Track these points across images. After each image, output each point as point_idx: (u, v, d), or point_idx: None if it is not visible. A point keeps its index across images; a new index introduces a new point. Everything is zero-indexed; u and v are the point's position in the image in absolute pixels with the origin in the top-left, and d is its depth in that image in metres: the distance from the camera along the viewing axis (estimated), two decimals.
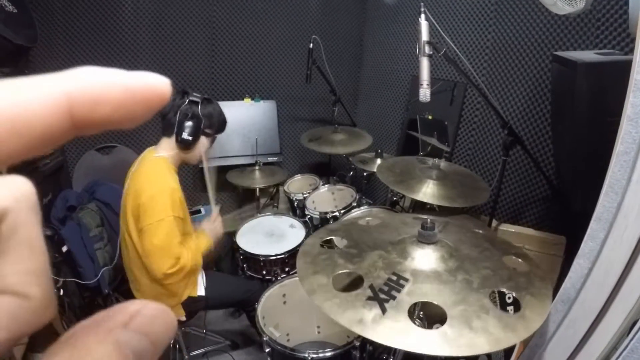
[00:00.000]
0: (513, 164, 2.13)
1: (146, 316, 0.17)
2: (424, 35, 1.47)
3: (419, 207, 2.26)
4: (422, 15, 1.48)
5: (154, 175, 1.76)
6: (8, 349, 0.16)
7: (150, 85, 0.18)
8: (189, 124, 1.76)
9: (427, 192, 1.71)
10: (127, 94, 0.17)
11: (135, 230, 1.75)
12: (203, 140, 1.84)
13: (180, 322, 1.93)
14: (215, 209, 1.99)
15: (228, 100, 3.10)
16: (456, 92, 2.51)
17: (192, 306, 1.96)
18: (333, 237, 1.29)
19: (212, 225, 1.96)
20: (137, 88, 0.17)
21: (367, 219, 1.39)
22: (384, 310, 0.88)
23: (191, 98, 1.77)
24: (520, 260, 1.12)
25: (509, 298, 1.30)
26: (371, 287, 0.96)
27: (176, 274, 1.74)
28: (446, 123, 2.58)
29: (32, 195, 0.18)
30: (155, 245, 1.68)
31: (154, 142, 1.89)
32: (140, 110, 0.17)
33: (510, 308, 1.02)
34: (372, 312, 0.88)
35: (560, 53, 1.56)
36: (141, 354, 0.16)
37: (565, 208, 1.87)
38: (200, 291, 1.96)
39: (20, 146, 0.15)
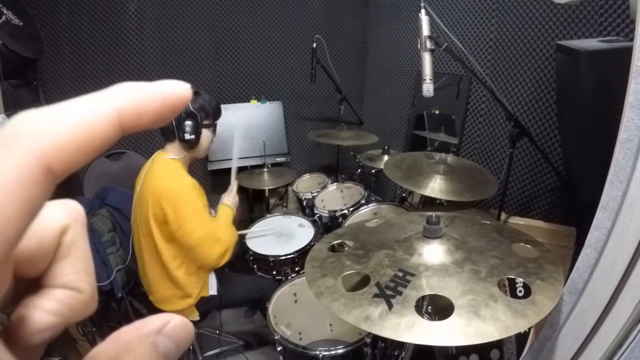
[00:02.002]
0: (521, 156, 2.11)
1: (174, 325, 0.21)
2: (425, 30, 1.46)
3: (429, 202, 2.25)
4: (423, 10, 1.47)
5: (172, 175, 1.80)
6: (58, 333, 0.21)
7: (177, 93, 0.21)
8: (187, 123, 1.78)
9: (435, 187, 1.71)
10: (162, 104, 0.20)
11: (159, 233, 1.79)
12: (205, 133, 1.87)
13: (194, 323, 1.96)
14: (234, 183, 2.11)
15: (234, 102, 3.12)
16: (462, 85, 2.49)
17: (205, 306, 1.99)
18: (344, 240, 1.29)
19: (232, 197, 2.06)
20: (167, 97, 0.21)
21: (375, 220, 1.39)
22: (390, 306, 0.88)
23: None
24: (529, 246, 1.12)
25: (520, 291, 1.30)
26: (377, 284, 0.96)
27: (226, 254, 1.84)
28: (453, 117, 2.56)
29: (83, 214, 0.23)
30: (199, 237, 1.76)
31: (162, 146, 1.92)
32: (169, 114, 0.21)
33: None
34: (378, 308, 0.88)
35: (563, 42, 1.55)
36: (169, 353, 0.21)
37: (575, 199, 1.85)
38: (212, 291, 1.98)
39: (84, 158, 0.18)
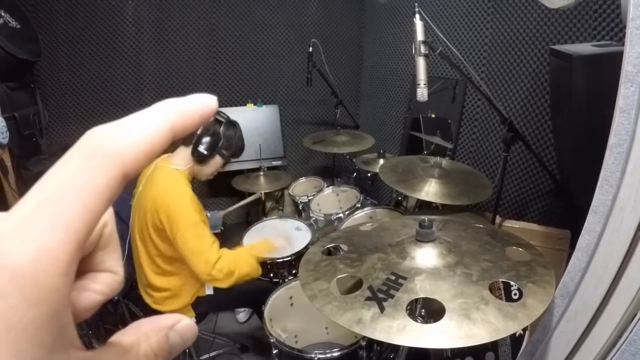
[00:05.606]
0: (515, 160, 2.12)
1: (183, 324, 0.26)
2: (419, 35, 1.48)
3: (424, 206, 2.26)
4: (417, 15, 1.49)
5: (173, 186, 1.78)
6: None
7: (210, 106, 0.26)
8: (207, 139, 1.77)
9: (430, 190, 1.72)
10: (201, 116, 0.25)
11: (158, 237, 1.78)
12: (217, 159, 1.87)
13: None
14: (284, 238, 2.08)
15: (231, 106, 3.12)
16: (458, 89, 2.50)
17: (202, 306, 1.99)
18: (338, 244, 1.30)
19: (281, 242, 2.02)
20: (205, 111, 0.25)
21: (369, 224, 1.39)
22: (382, 309, 0.88)
23: (217, 116, 1.77)
24: (521, 249, 1.12)
25: (515, 295, 1.30)
26: (370, 288, 0.96)
27: (221, 280, 1.77)
28: (449, 121, 2.57)
29: (113, 213, 0.28)
30: (190, 250, 1.72)
31: (170, 150, 1.91)
32: (202, 122, 0.25)
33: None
34: (370, 311, 0.89)
35: (557, 47, 1.56)
36: (175, 346, 0.25)
37: (569, 202, 1.86)
38: (209, 290, 1.98)
39: (147, 164, 0.23)
